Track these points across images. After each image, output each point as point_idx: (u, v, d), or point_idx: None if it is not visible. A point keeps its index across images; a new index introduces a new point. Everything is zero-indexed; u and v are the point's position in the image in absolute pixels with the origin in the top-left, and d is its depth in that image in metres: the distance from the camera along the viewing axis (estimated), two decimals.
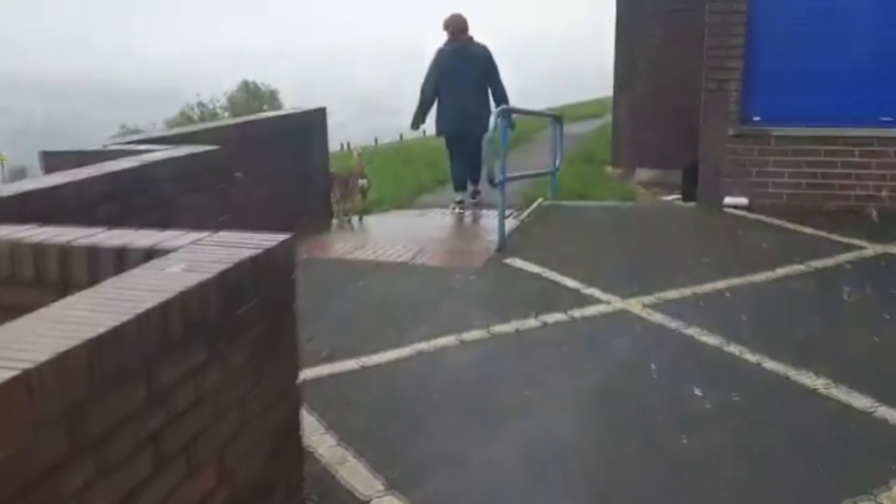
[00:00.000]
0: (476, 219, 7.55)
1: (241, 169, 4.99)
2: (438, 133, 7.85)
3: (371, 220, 7.63)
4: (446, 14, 7.62)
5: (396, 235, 6.51)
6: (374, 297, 4.75)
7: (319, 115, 7.22)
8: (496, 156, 5.86)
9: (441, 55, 7.49)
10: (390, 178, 9.71)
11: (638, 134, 9.04)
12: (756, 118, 6.61)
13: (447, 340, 3.96)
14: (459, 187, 7.84)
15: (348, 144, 41.55)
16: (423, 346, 3.91)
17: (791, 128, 6.50)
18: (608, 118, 16.46)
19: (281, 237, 2.09)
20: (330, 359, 3.74)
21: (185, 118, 53.00)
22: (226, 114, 54.12)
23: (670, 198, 8.23)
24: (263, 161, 6.27)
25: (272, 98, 54.21)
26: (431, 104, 7.56)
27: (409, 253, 5.61)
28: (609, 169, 10.10)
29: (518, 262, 5.27)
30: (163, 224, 2.42)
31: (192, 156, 3.72)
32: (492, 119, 5.74)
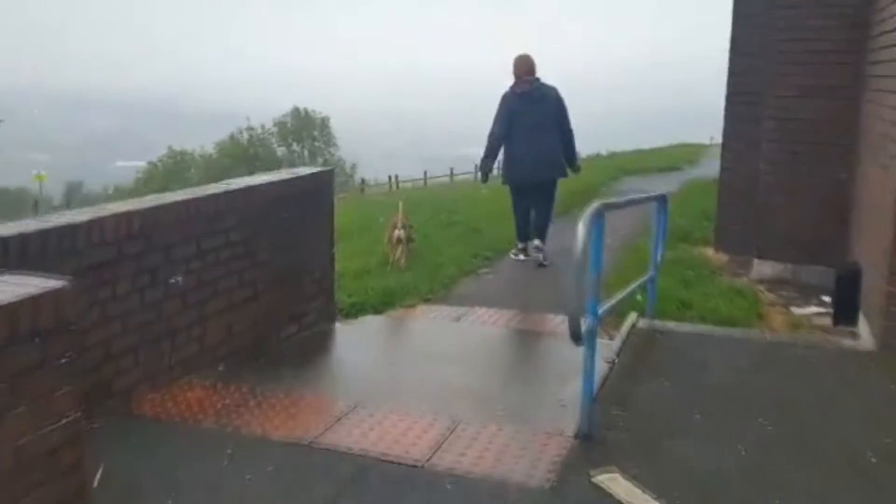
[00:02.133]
0: (543, 334, 5.27)
1: (188, 266, 3.86)
2: (509, 182, 7.34)
3: (380, 329, 5.40)
4: (513, 54, 7.29)
5: (411, 381, 4.24)
6: None
7: (323, 180, 5.03)
8: (580, 280, 3.47)
9: (509, 99, 7.09)
10: (422, 252, 7.48)
11: (759, 209, 6.62)
12: None
13: None
14: (523, 237, 7.43)
15: (396, 178, 39.99)
16: None
17: None
18: (701, 171, 14.24)
19: None
20: None
21: (234, 142, 51.95)
22: (273, 139, 53.06)
23: (810, 312, 5.80)
24: (225, 254, 4.12)
25: (323, 125, 52.86)
26: (497, 153, 7.28)
27: (428, 436, 3.31)
28: (710, 252, 7.69)
29: (617, 484, 2.92)
30: None
31: None
32: (580, 228, 3.39)
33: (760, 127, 7.16)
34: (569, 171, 7.32)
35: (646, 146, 20.54)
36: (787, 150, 6.30)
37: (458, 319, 5.57)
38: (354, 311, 5.71)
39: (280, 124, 53.04)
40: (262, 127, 52.18)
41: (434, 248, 7.83)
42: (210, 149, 52.17)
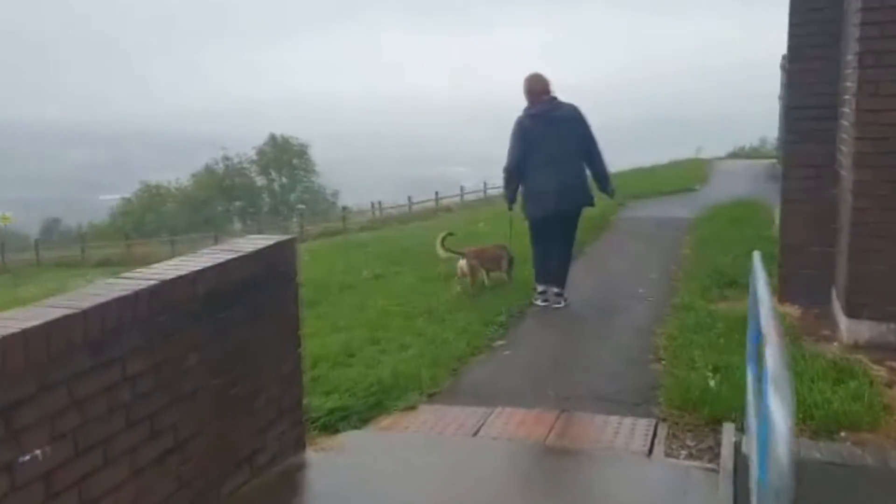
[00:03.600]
0: (596, 454, 3.75)
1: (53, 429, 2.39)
2: (529, 217, 6.54)
3: (367, 461, 3.81)
4: (524, 75, 6.54)
5: None
6: None
7: (280, 255, 3.52)
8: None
9: (522, 124, 6.36)
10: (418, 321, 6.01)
11: (852, 255, 5.16)
12: None
13: None
14: (543, 278, 6.54)
15: (380, 205, 38.50)
16: None
17: None
18: (717, 192, 12.74)
19: None
20: None
21: (210, 173, 50.22)
22: (253, 168, 51.37)
23: None
24: (122, 396, 2.64)
25: (302, 153, 51.33)
26: (518, 182, 6.51)
27: None
28: (775, 304, 6.23)
29: None
30: None
31: None
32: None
33: (836, 148, 5.76)
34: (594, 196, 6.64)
35: (630, 163, 19.12)
36: (890, 182, 4.86)
37: (474, 431, 4.06)
38: (334, 422, 4.21)
39: (260, 152, 51.49)
40: (240, 156, 50.62)
41: (433, 313, 6.34)
42: (187, 182, 50.51)
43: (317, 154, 52.03)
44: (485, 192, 40.38)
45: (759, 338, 3.66)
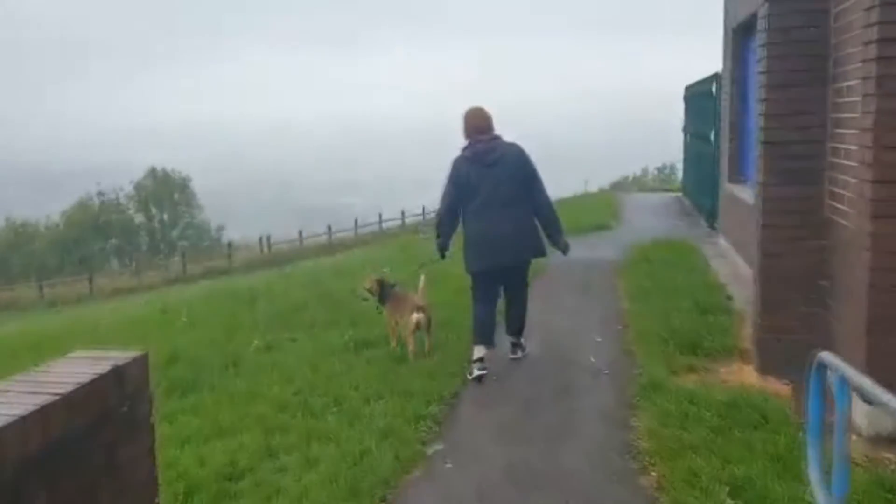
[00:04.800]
0: None
1: None
2: (468, 270, 5.73)
3: None
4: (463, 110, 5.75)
5: None
6: None
7: (124, 389, 2.13)
8: None
9: (457, 166, 5.60)
10: (320, 418, 4.65)
11: (872, 324, 4.20)
12: None
13: None
14: (483, 339, 5.60)
15: (268, 240, 36.38)
16: None
17: None
18: (633, 230, 11.85)
19: None
20: None
21: (84, 209, 46.55)
22: (131, 203, 48.11)
23: None
24: None
25: (184, 186, 48.50)
26: (453, 230, 5.75)
27: None
28: (751, 375, 5.23)
29: None
30: None
31: None
32: None
33: (825, 191, 4.84)
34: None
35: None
36: None
37: None
38: None
39: (138, 187, 48.29)
40: (116, 191, 47.30)
41: (343, 405, 4.98)
42: (57, 219, 46.63)
43: (197, 185, 49.35)
44: (380, 224, 39.16)
45: (844, 473, 2.59)
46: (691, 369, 5.40)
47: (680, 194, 17.51)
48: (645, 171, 46.89)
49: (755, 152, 5.57)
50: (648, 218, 13.95)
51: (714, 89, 11.40)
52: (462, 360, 5.70)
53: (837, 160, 4.65)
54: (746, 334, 5.95)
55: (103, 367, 2.13)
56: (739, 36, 9.11)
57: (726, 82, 9.55)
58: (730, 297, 7.19)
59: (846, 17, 4.47)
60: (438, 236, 5.78)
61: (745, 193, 8.10)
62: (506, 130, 5.77)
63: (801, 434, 4.07)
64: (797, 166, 4.97)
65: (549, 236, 5.74)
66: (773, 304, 5.17)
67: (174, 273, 34.42)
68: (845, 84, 4.48)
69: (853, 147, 4.32)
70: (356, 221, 38.44)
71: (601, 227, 12.52)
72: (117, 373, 2.14)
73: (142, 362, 2.28)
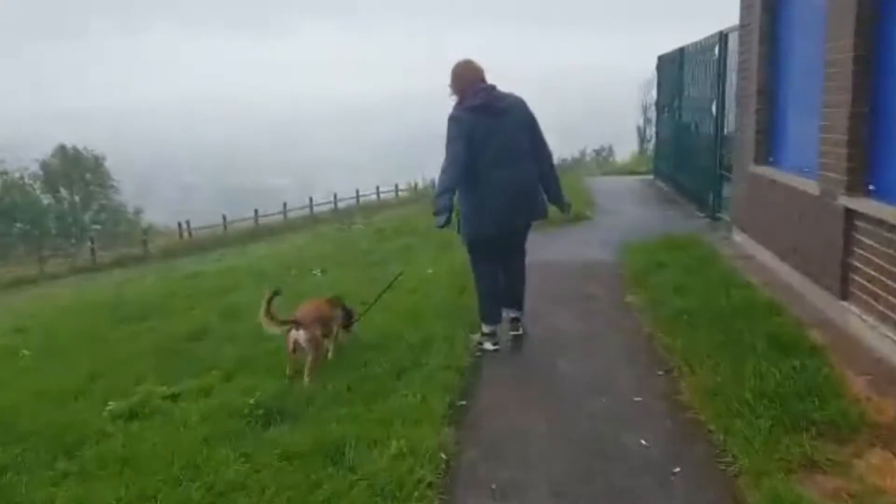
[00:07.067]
0: None
1: None
2: (473, 239, 5.25)
3: None
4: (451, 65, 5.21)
5: None
6: None
7: None
8: None
9: (463, 119, 4.97)
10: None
11: None
12: None
13: None
14: (490, 316, 5.31)
15: (188, 225, 33.32)
16: None
17: None
18: (616, 219, 10.02)
19: None
20: None
21: None
22: (37, 185, 44.19)
23: None
24: None
25: (96, 165, 44.74)
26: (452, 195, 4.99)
27: None
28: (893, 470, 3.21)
29: None
30: None
31: None
32: None
33: None
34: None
35: None
36: None
37: None
38: None
39: (45, 166, 44.35)
40: (20, 170, 43.27)
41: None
42: None
43: (114, 167, 45.69)
44: (311, 209, 36.56)
45: None
46: (813, 464, 3.35)
47: (651, 177, 15.64)
48: (583, 153, 45.42)
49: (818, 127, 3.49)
50: (627, 206, 11.99)
51: (717, 51, 9.45)
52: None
53: None
54: (863, 392, 3.95)
55: None
56: None
57: (751, 41, 7.54)
58: (801, 325, 5.18)
59: None
60: (440, 195, 4.89)
61: (798, 181, 6.14)
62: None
63: None
64: None
65: (549, 193, 5.29)
66: None
67: (83, 261, 31.18)
68: None
69: None
70: (285, 205, 35.79)
71: (577, 216, 10.45)
72: None
73: None
